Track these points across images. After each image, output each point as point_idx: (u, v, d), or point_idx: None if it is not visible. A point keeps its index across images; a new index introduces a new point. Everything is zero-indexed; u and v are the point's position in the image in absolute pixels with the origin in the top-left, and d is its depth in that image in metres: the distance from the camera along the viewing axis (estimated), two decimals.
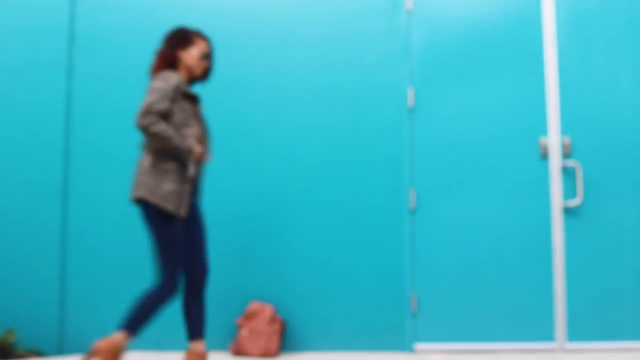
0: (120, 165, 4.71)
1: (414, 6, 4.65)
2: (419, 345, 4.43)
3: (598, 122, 4.48)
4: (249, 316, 4.43)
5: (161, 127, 3.17)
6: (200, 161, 3.35)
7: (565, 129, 4.49)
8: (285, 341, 4.51)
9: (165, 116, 3.23)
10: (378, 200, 4.54)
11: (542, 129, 4.50)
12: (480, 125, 4.54)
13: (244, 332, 4.38)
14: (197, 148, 3.29)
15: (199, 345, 3.34)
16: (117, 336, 3.11)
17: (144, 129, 3.17)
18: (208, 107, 4.70)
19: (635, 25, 4.54)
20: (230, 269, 4.62)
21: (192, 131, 3.34)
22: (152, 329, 4.56)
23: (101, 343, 3.08)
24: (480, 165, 4.52)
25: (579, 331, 4.36)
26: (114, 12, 4.86)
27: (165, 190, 3.22)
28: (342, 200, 4.56)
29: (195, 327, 3.36)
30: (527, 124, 4.51)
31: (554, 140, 4.48)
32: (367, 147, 4.56)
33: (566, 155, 4.46)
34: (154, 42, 4.76)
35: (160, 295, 3.20)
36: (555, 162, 4.46)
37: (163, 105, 3.20)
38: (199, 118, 3.43)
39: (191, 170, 3.28)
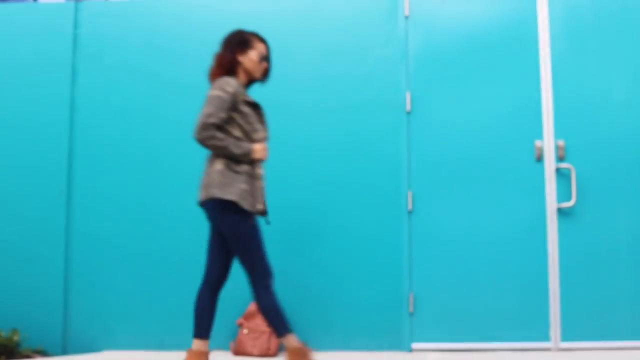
0: (123, 168, 4.78)
1: (411, 12, 4.72)
2: (416, 345, 4.49)
3: (591, 126, 4.55)
4: (250, 316, 4.50)
5: (216, 141, 3.27)
6: (261, 161, 3.44)
7: (559, 132, 4.56)
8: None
9: (222, 126, 3.33)
10: (376, 202, 4.60)
11: (537, 133, 4.57)
12: (477, 128, 4.61)
13: (244, 332, 4.45)
14: (258, 150, 3.37)
15: (203, 345, 3.39)
16: (290, 341, 3.29)
17: (202, 143, 3.29)
18: None
19: (627, 31, 4.61)
20: (232, 270, 4.67)
21: (260, 135, 3.44)
22: (155, 328, 4.63)
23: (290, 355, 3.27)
24: (476, 168, 4.58)
25: (573, 331, 4.42)
26: (117, 18, 4.91)
27: (240, 189, 3.30)
28: (341, 201, 4.61)
29: (203, 326, 3.41)
30: (523, 128, 4.58)
31: (548, 143, 4.55)
32: (366, 149, 4.61)
33: (560, 158, 4.53)
34: (156, 47, 4.86)
35: (266, 290, 3.31)
36: (550, 164, 4.53)
37: (220, 116, 3.28)
38: (263, 122, 3.52)
39: (258, 169, 3.40)
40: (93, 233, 4.76)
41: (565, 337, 4.42)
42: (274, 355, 4.42)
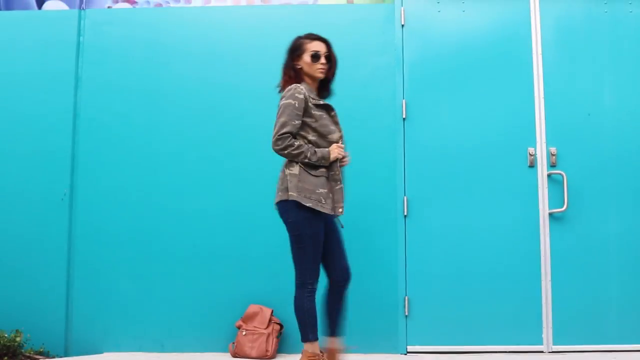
0: (125, 173, 4.84)
1: (407, 21, 4.80)
2: (412, 347, 4.56)
3: (583, 134, 4.64)
4: (248, 318, 4.56)
5: (293, 149, 3.40)
6: (341, 163, 3.56)
7: (551, 140, 4.64)
8: (283, 343, 4.63)
9: (297, 132, 3.46)
10: (372, 207, 4.67)
11: (530, 139, 4.66)
12: (471, 136, 4.69)
13: (242, 334, 4.51)
14: (333, 151, 3.49)
15: (336, 342, 3.51)
16: (307, 347, 3.47)
17: (279, 153, 3.44)
18: (209, 117, 4.86)
19: (617, 41, 4.70)
20: (231, 273, 4.73)
21: (335, 136, 3.56)
22: (155, 330, 4.68)
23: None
24: (470, 174, 4.66)
25: (565, 334, 4.49)
26: (120, 25, 4.97)
27: (318, 192, 3.43)
28: None
29: (334, 325, 3.53)
30: (516, 135, 4.66)
31: (541, 150, 4.63)
32: (362, 155, 4.62)
33: (552, 164, 4.61)
34: (159, 54, 4.93)
35: (309, 292, 3.47)
36: (542, 171, 4.62)
37: (293, 123, 3.42)
38: (337, 123, 3.61)
39: (337, 171, 3.52)
40: (95, 236, 4.81)
41: (558, 340, 4.50)
42: (272, 357, 4.47)
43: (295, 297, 3.47)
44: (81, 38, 4.98)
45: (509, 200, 4.61)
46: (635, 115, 4.66)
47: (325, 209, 3.43)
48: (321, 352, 3.50)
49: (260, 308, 4.58)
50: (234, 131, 4.85)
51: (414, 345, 4.56)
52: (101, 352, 4.69)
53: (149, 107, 4.89)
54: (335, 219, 3.62)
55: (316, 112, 3.49)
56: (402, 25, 4.79)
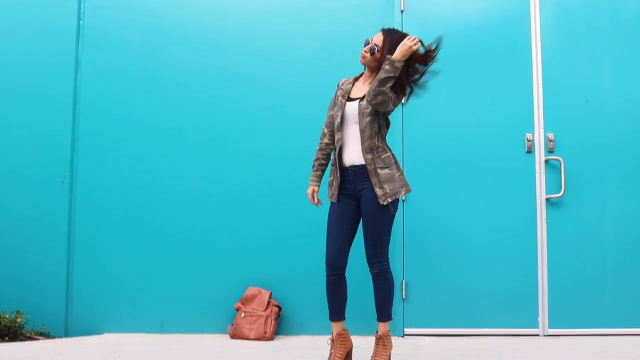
0: (125, 155, 4.87)
1: (406, 6, 4.81)
2: (409, 330, 4.61)
3: (580, 120, 4.67)
4: (247, 300, 4.61)
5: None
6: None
7: (549, 125, 4.68)
8: (281, 325, 4.69)
9: None
10: None
11: (528, 126, 4.69)
12: (469, 121, 4.72)
13: (241, 316, 4.56)
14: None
15: (380, 328, 3.56)
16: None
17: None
18: (209, 101, 4.88)
19: (616, 27, 4.72)
20: (230, 255, 4.78)
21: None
22: (155, 312, 4.73)
23: None
24: (468, 159, 4.69)
25: (560, 318, 4.55)
26: (120, 9, 4.98)
27: (330, 180, 3.63)
28: None
29: (377, 310, 3.56)
30: (514, 121, 4.69)
31: (539, 136, 4.67)
32: None
33: (550, 150, 4.65)
34: (159, 38, 4.95)
35: (326, 274, 3.53)
36: (540, 156, 4.65)
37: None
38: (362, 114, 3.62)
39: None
40: (95, 218, 4.85)
41: (553, 324, 4.55)
42: (270, 338, 4.53)
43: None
44: (81, 22, 4.99)
45: (506, 185, 4.65)
46: (633, 101, 4.68)
47: (329, 196, 3.62)
48: (331, 339, 3.56)
49: (259, 290, 4.63)
50: (234, 115, 4.87)
51: (411, 327, 4.61)
52: (101, 333, 4.74)
53: (149, 90, 4.91)
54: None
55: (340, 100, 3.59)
56: (402, 11, 4.81)
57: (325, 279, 3.52)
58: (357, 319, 4.42)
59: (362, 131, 3.46)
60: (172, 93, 4.91)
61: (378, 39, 3.54)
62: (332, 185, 3.58)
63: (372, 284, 3.55)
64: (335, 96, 3.65)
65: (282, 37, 4.91)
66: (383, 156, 3.46)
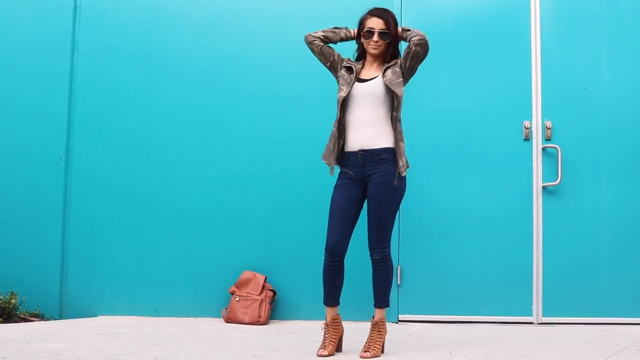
0: (121, 137, 4.85)
1: None
2: (403, 316, 4.62)
3: (578, 108, 4.66)
4: (241, 284, 4.62)
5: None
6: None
7: (547, 113, 4.66)
8: (276, 309, 4.70)
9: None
10: None
11: (526, 113, 4.67)
12: (467, 108, 4.70)
13: (235, 299, 4.57)
14: None
15: (377, 314, 3.54)
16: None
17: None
18: (207, 83, 4.86)
19: (615, 16, 4.69)
20: (225, 239, 4.77)
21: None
22: (149, 294, 4.74)
23: None
24: (465, 146, 4.68)
25: (554, 306, 4.56)
26: None
27: (330, 151, 3.58)
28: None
29: (374, 296, 3.55)
30: (512, 108, 4.68)
31: (536, 123, 4.65)
32: None
33: (547, 138, 4.64)
34: (156, 18, 4.91)
35: (325, 259, 3.50)
36: (537, 144, 4.64)
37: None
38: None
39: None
40: (90, 200, 4.84)
41: (547, 312, 4.57)
42: (264, 322, 4.53)
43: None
44: (78, 1, 4.95)
45: (503, 172, 4.64)
46: (631, 90, 4.66)
47: (330, 169, 3.60)
48: (325, 324, 3.55)
49: (254, 274, 4.63)
50: (231, 97, 4.86)
51: (405, 314, 4.62)
52: (95, 315, 4.75)
53: (146, 71, 4.88)
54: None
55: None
56: None
57: (323, 264, 3.51)
58: (352, 305, 4.43)
59: (382, 104, 3.49)
60: (169, 74, 4.89)
61: (378, 23, 3.53)
62: (330, 157, 3.54)
63: (367, 270, 3.54)
64: (341, 66, 3.61)
65: (280, 19, 4.88)
66: (400, 129, 3.53)
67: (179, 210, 4.79)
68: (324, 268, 3.51)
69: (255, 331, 4.27)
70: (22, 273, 4.77)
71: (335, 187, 3.56)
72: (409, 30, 3.53)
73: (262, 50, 4.87)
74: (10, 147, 4.88)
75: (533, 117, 4.65)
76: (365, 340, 3.54)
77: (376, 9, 3.60)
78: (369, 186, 3.48)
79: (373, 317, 3.54)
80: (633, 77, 4.66)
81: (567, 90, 4.66)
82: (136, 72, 4.89)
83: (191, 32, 4.89)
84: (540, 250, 4.58)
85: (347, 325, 3.74)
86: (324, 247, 3.49)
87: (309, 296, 4.61)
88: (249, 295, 4.56)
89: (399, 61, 3.52)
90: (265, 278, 4.64)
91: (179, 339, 3.88)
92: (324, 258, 3.50)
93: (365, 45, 3.59)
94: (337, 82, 3.62)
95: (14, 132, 4.89)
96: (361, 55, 3.68)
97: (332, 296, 3.53)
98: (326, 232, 3.50)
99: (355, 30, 3.67)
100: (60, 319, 4.75)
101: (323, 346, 3.48)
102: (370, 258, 3.53)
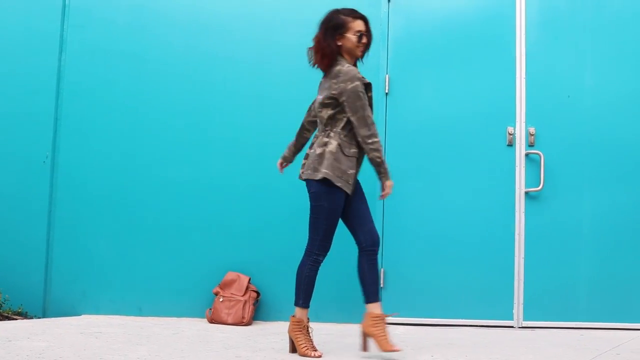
0: (108, 136, 4.87)
1: None
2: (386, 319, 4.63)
3: (562, 114, 4.69)
4: (225, 285, 4.64)
5: (379, 144, 3.48)
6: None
7: (530, 119, 4.69)
8: (259, 310, 4.72)
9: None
10: None
11: (510, 119, 4.71)
12: (451, 113, 4.73)
13: (219, 300, 4.58)
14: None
15: (375, 308, 3.51)
16: (296, 313, 3.55)
17: (374, 146, 3.46)
18: (194, 85, 4.88)
19: (599, 24, 4.73)
20: (210, 240, 4.79)
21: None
22: (133, 294, 4.74)
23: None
24: (449, 150, 4.71)
25: (535, 311, 4.58)
26: None
27: (349, 173, 3.46)
28: None
29: (370, 291, 3.53)
30: (495, 114, 4.70)
31: (520, 129, 4.69)
32: None
33: (531, 144, 4.68)
34: (145, 19, 4.92)
35: (313, 262, 3.51)
36: (520, 150, 4.68)
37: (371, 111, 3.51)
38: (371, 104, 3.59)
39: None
40: (76, 200, 4.85)
41: (528, 316, 4.59)
42: (248, 323, 4.56)
43: (301, 261, 3.54)
44: (66, 0, 4.96)
45: (486, 177, 4.68)
46: (614, 98, 4.69)
47: (350, 189, 3.48)
48: (308, 326, 3.57)
49: (238, 275, 4.65)
50: (218, 99, 4.88)
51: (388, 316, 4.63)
52: (79, 314, 4.76)
53: (134, 72, 4.90)
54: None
55: (368, 94, 3.53)
56: (389, 0, 4.81)
57: (313, 266, 3.52)
58: (335, 306, 4.46)
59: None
60: (157, 75, 4.90)
61: (363, 26, 3.55)
62: (353, 177, 3.51)
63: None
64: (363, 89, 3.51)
65: (269, 23, 4.91)
66: None
67: (164, 210, 4.81)
68: (313, 270, 3.53)
69: (239, 332, 4.28)
70: (6, 271, 4.77)
71: (339, 194, 3.48)
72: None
73: (250, 53, 4.89)
74: None
75: (517, 123, 4.69)
76: (374, 339, 3.48)
77: (355, 11, 3.57)
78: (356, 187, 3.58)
79: (372, 312, 3.50)
80: (616, 85, 4.70)
81: (551, 96, 4.70)
82: (124, 72, 4.90)
83: (180, 33, 4.91)
84: (522, 255, 4.62)
85: (332, 327, 3.76)
86: (320, 249, 3.50)
87: (292, 298, 4.57)
88: (232, 296, 4.58)
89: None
90: (249, 279, 4.66)
91: (162, 339, 3.89)
92: (316, 260, 3.52)
93: (352, 48, 3.53)
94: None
95: (0, 130, 4.88)
96: (330, 58, 3.53)
97: (310, 298, 3.57)
98: (326, 237, 3.51)
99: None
100: (43, 317, 4.75)
101: (314, 347, 3.50)
102: (365, 251, 3.57)
